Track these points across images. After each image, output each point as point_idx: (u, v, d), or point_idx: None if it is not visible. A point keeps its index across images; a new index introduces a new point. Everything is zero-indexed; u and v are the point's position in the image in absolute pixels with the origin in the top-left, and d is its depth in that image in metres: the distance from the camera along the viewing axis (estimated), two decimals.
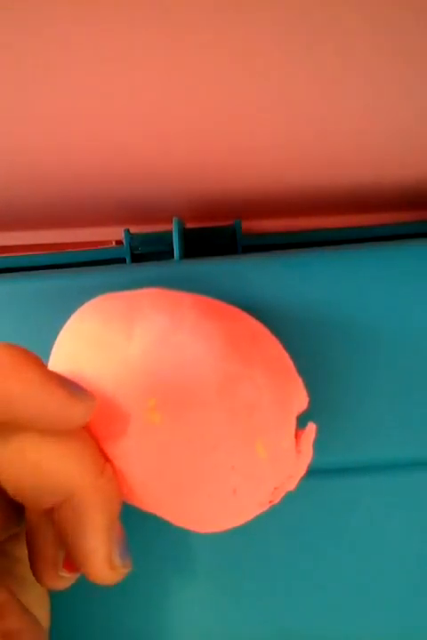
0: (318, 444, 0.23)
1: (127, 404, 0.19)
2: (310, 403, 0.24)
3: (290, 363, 0.23)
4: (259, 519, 0.22)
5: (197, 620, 0.26)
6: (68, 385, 0.17)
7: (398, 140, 0.28)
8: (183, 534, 0.26)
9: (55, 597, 0.26)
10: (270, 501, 0.21)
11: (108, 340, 0.20)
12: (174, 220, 0.29)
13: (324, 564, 0.27)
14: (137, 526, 0.24)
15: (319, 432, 0.23)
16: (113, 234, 0.35)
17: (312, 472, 0.23)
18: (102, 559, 0.18)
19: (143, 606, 0.26)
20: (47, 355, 0.23)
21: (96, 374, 0.19)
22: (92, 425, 0.19)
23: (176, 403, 0.19)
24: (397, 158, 0.29)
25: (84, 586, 0.26)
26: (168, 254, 0.30)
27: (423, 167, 0.30)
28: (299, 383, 0.23)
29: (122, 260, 0.31)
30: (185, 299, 0.21)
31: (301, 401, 0.22)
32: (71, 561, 0.19)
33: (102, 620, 0.26)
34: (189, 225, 0.33)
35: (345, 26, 0.20)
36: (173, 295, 0.21)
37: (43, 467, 0.17)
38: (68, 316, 0.23)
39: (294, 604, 0.26)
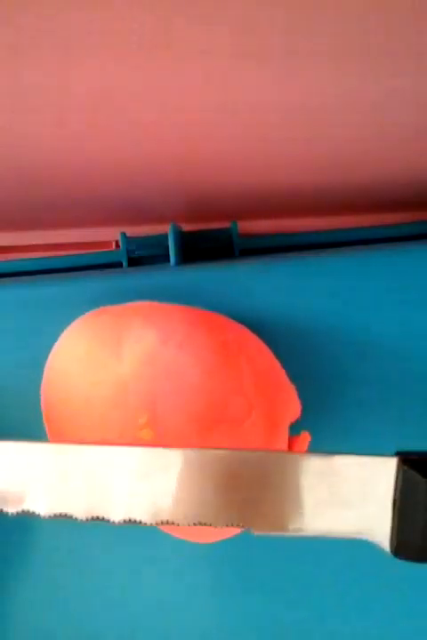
0: (312, 450, 0.23)
1: (118, 421, 0.19)
2: (308, 409, 0.24)
3: (282, 372, 0.23)
4: None
5: (196, 620, 0.27)
6: None
7: (397, 140, 0.27)
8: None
9: (47, 593, 0.27)
10: None
11: (98, 358, 0.20)
12: (171, 225, 0.29)
13: (320, 565, 0.27)
14: (137, 528, 0.24)
15: (314, 439, 0.23)
16: (111, 234, 0.35)
17: None
18: None
19: (143, 605, 0.27)
20: (43, 362, 0.24)
21: (87, 392, 0.19)
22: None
23: (166, 420, 0.19)
24: (397, 158, 0.29)
25: (87, 587, 0.27)
26: (164, 258, 0.30)
27: (423, 167, 0.30)
28: (291, 392, 0.23)
29: (119, 264, 0.31)
30: (175, 312, 0.21)
31: (293, 410, 0.23)
32: None
33: (104, 619, 0.27)
34: (187, 225, 0.33)
35: (341, 26, 0.20)
36: (162, 309, 0.21)
37: None
38: (65, 323, 0.24)
39: (293, 603, 0.27)
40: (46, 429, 0.23)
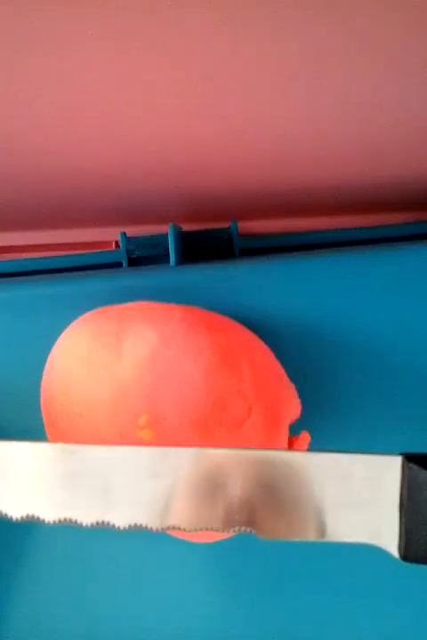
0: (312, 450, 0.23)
1: (118, 421, 0.19)
2: (308, 410, 0.24)
3: (282, 372, 0.23)
4: None
5: (196, 620, 0.27)
6: None
7: (397, 140, 0.27)
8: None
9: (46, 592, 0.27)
10: None
11: (99, 357, 0.20)
12: (171, 225, 0.29)
13: (321, 565, 0.27)
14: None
15: (314, 439, 0.23)
16: (111, 234, 0.35)
17: None
18: None
19: (143, 605, 0.27)
20: (43, 362, 0.24)
21: (87, 392, 0.19)
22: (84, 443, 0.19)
23: (166, 420, 0.19)
24: (397, 158, 0.29)
25: (90, 588, 0.27)
26: (165, 257, 0.30)
27: (423, 167, 0.30)
28: (291, 392, 0.23)
29: (119, 264, 0.31)
30: (175, 312, 0.21)
31: (293, 410, 0.23)
32: None
33: (105, 618, 0.27)
34: (187, 225, 0.33)
35: (343, 24, 0.20)
36: (163, 308, 0.21)
37: None
38: (64, 324, 0.24)
39: (293, 604, 0.27)
40: (46, 429, 0.23)
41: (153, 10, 0.18)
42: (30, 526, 0.27)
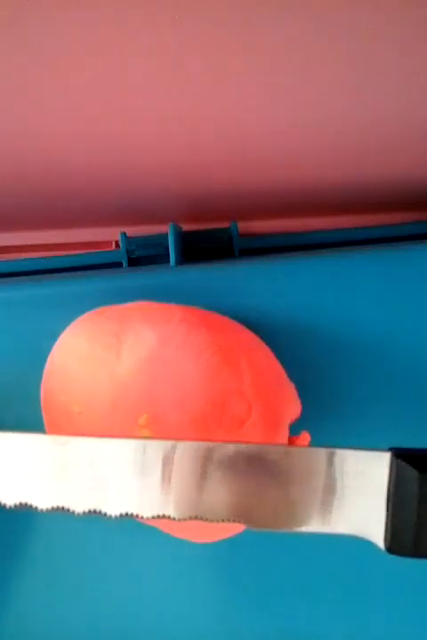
0: None
1: (118, 421, 0.19)
2: (308, 410, 0.24)
3: (282, 372, 0.23)
4: None
5: (196, 620, 0.27)
6: None
7: (397, 140, 0.27)
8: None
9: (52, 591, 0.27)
10: None
11: (98, 357, 0.20)
12: (171, 225, 0.29)
13: (320, 566, 0.27)
14: (137, 527, 0.24)
15: (314, 439, 0.23)
16: (111, 234, 0.35)
17: None
18: None
19: (143, 605, 0.27)
20: (42, 362, 0.24)
21: (87, 392, 0.19)
22: None
23: (166, 420, 0.19)
24: (397, 158, 0.29)
25: (90, 588, 0.27)
26: (164, 258, 0.30)
27: (424, 167, 0.30)
28: (291, 392, 0.23)
29: (119, 264, 0.31)
30: (175, 312, 0.21)
31: (293, 410, 0.23)
32: None
33: (105, 619, 0.27)
34: (187, 225, 0.33)
35: (343, 25, 0.20)
36: (162, 308, 0.21)
37: None
38: (64, 323, 0.24)
39: (293, 603, 0.27)
40: (46, 429, 0.23)
41: (152, 12, 0.18)
42: (29, 526, 0.27)
